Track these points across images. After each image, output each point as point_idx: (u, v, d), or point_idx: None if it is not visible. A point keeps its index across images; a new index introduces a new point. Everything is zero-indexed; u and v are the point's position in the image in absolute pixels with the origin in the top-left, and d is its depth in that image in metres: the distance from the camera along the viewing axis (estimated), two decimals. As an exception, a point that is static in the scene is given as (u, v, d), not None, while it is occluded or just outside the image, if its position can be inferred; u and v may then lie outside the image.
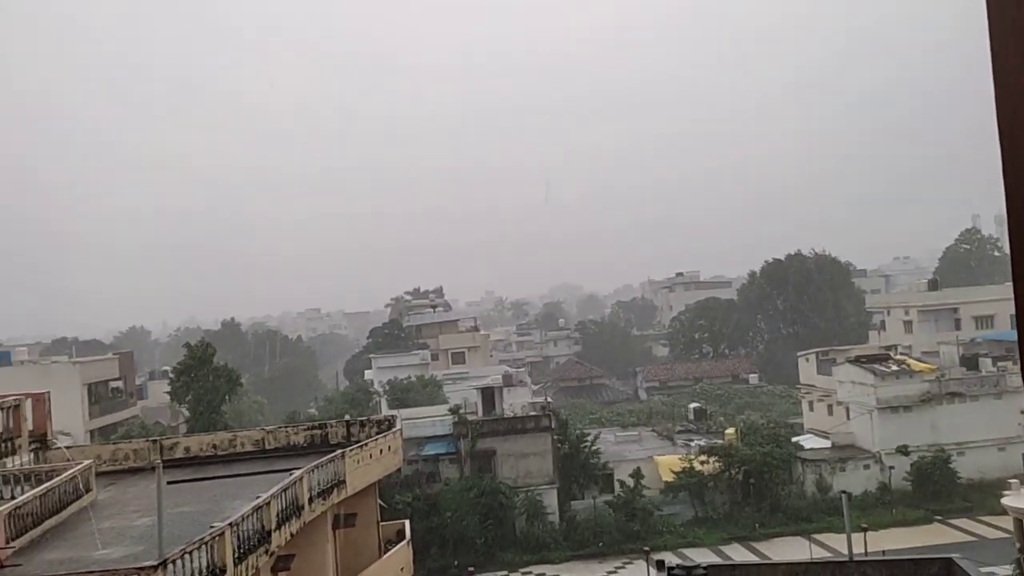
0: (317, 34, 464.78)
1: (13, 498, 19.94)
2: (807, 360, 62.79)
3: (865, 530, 35.60)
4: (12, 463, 21.66)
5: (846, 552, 25.26)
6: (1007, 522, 34.72)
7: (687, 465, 48.06)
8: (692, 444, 53.40)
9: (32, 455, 22.18)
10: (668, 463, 49.74)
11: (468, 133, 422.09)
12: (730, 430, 54.36)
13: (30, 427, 17.63)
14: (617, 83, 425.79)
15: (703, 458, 48.30)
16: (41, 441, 18.52)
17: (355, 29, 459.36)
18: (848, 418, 53.14)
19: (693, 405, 69.38)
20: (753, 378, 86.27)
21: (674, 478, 47.92)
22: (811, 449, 52.17)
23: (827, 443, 53.01)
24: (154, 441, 28.94)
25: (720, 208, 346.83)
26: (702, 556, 40.97)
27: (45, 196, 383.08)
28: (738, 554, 42.87)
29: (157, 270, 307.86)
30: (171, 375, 53.10)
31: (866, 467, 49.57)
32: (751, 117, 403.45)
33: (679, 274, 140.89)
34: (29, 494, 19.85)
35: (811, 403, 60.11)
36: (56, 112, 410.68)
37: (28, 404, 17.70)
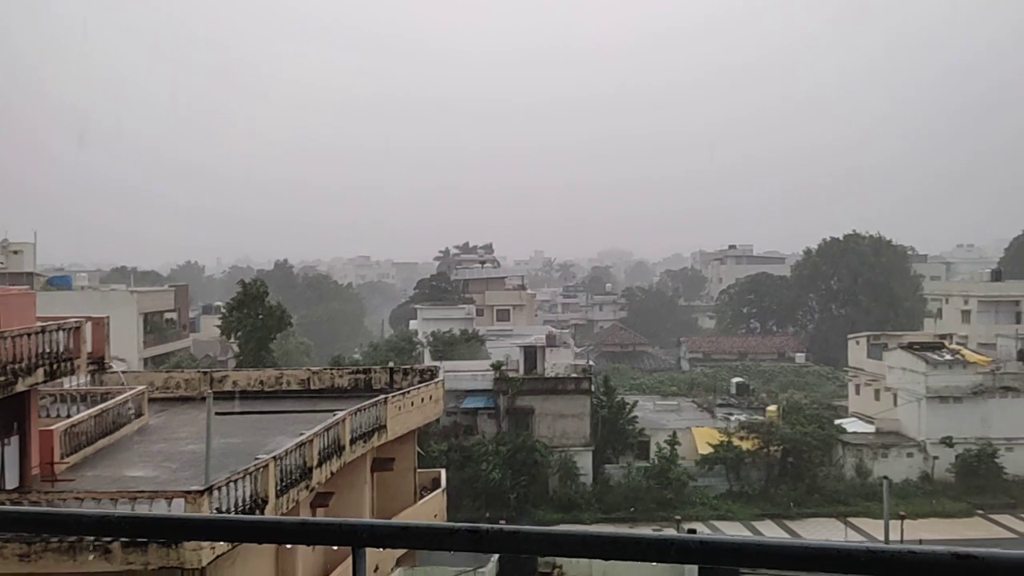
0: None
1: (69, 416, 20.74)
2: (857, 343, 61.59)
3: (903, 518, 35.04)
4: (70, 383, 22.47)
5: (882, 538, 24.96)
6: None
7: (725, 439, 47.84)
8: (732, 418, 53.05)
9: (89, 377, 22.98)
10: (706, 435, 49.56)
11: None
12: (772, 407, 53.89)
13: (88, 350, 18.20)
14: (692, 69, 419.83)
15: (742, 433, 48.03)
16: (98, 364, 19.14)
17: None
18: (895, 404, 52.19)
19: (736, 380, 68.72)
20: (799, 357, 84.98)
21: (711, 451, 47.77)
22: (854, 433, 51.46)
23: (871, 428, 52.25)
24: (205, 373, 29.72)
25: (780, 194, 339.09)
26: (734, 530, 40.94)
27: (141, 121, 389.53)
28: (770, 531, 42.72)
29: (212, 201, 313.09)
30: (223, 310, 54.28)
31: (909, 455, 48.75)
32: (819, 103, 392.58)
33: (731, 246, 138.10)
34: (84, 413, 20.61)
35: (858, 387, 59.13)
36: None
37: (88, 327, 18.26)
